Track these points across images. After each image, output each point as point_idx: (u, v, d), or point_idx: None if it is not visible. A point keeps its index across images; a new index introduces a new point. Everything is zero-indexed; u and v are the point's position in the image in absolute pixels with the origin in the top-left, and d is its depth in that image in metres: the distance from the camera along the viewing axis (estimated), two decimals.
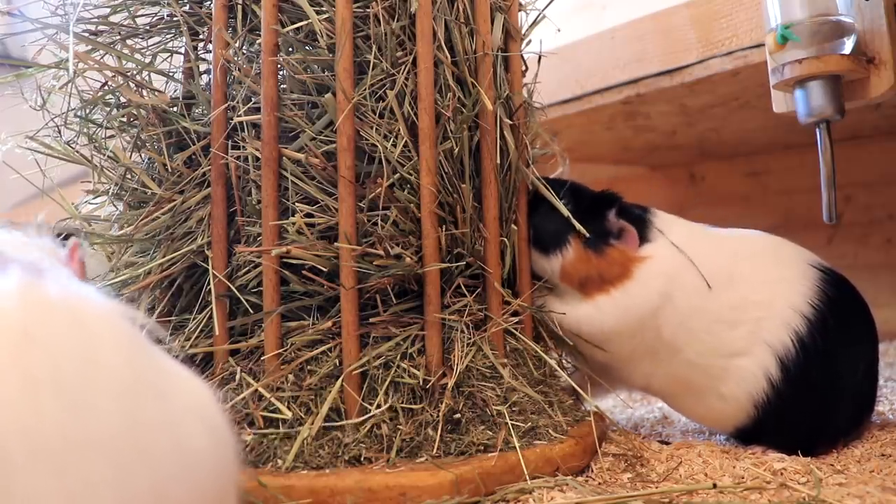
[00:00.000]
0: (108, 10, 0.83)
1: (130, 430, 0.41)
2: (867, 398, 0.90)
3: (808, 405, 0.84)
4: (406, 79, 0.76)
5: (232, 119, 0.78)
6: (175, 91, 0.86)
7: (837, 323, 0.84)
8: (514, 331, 0.82)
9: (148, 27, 0.84)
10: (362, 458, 0.71)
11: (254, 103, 0.78)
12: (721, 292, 0.85)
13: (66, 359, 0.40)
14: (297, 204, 0.76)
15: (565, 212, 0.86)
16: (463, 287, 0.79)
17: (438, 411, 0.73)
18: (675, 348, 0.86)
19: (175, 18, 0.83)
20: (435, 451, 0.72)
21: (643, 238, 0.88)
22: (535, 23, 0.91)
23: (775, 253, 0.90)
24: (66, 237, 0.87)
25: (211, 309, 0.77)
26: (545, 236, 0.88)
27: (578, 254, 0.87)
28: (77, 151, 0.84)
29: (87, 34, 0.83)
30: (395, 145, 0.75)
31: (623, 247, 0.87)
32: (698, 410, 0.91)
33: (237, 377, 0.75)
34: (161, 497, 0.41)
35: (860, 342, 0.87)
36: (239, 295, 0.77)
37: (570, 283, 0.88)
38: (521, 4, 0.89)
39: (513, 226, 0.85)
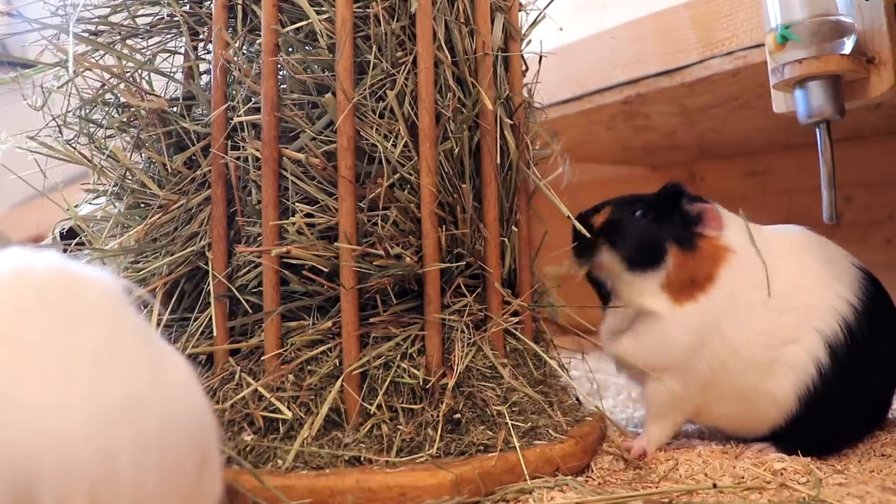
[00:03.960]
0: (108, 10, 0.83)
1: (110, 348, 0.47)
2: (885, 404, 0.89)
3: (847, 397, 0.83)
4: (406, 79, 0.76)
5: (232, 119, 0.78)
6: (175, 91, 0.86)
7: (879, 319, 0.84)
8: (514, 331, 0.82)
9: (148, 27, 0.84)
10: (362, 458, 0.71)
11: (254, 103, 0.78)
12: (771, 281, 0.84)
13: (53, 291, 0.48)
14: (297, 204, 0.76)
15: (564, 210, 0.85)
16: (463, 287, 0.79)
17: (438, 411, 0.73)
18: (734, 346, 0.83)
19: (175, 18, 0.83)
20: (435, 451, 0.72)
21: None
22: (535, 23, 0.91)
23: (821, 248, 0.89)
24: (69, 235, 0.87)
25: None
26: (646, 252, 0.85)
27: (677, 258, 0.84)
28: (77, 151, 0.84)
29: (86, 34, 0.83)
30: (395, 145, 0.75)
31: (709, 231, 0.86)
32: (739, 414, 0.87)
33: (237, 377, 0.75)
34: (132, 412, 0.45)
35: (892, 343, 0.86)
36: (239, 295, 0.77)
37: (669, 293, 0.84)
38: (521, 4, 0.89)
39: (513, 227, 0.85)
